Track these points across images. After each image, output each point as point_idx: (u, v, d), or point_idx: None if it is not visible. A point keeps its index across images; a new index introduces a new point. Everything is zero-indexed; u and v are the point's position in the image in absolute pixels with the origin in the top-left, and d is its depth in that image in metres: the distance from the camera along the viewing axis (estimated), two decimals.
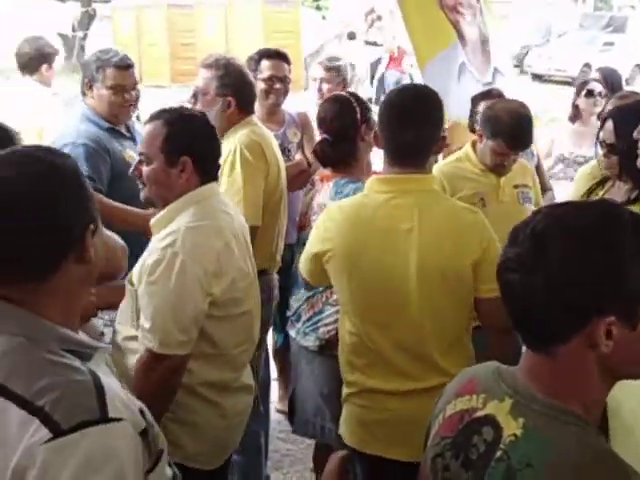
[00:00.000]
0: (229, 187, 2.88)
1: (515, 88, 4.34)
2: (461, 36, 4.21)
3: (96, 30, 17.43)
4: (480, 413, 1.24)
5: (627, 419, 1.50)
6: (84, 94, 3.06)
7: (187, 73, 15.27)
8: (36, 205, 1.21)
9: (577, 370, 1.18)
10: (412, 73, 11.79)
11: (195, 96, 3.01)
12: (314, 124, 3.76)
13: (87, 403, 1.16)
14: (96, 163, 2.86)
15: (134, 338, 2.09)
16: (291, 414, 2.96)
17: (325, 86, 4.02)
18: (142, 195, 2.19)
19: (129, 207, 2.77)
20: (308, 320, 2.77)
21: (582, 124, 4.51)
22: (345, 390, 2.28)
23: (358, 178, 2.60)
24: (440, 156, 3.37)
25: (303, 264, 2.38)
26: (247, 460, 3.06)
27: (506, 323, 2.04)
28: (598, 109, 4.28)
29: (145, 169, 2.14)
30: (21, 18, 18.90)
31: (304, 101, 5.21)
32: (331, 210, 2.32)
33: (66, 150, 2.54)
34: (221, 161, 2.90)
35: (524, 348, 1.25)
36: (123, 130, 3.10)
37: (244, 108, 3.03)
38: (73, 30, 17.63)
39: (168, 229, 2.08)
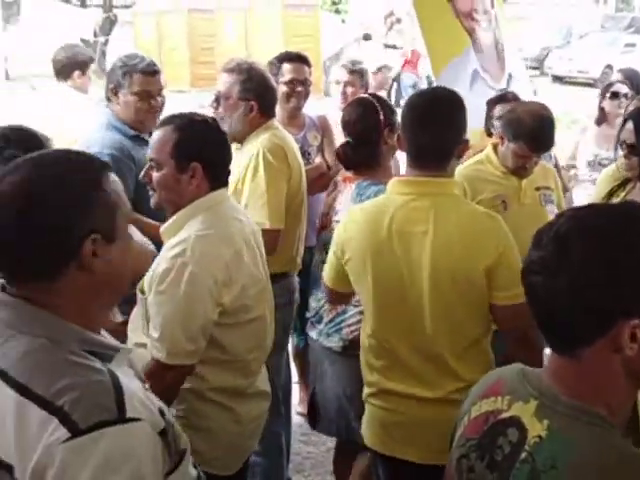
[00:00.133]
0: (252, 191, 2.89)
1: (529, 93, 4.33)
2: (476, 43, 4.22)
3: (117, 35, 17.58)
4: (505, 415, 1.24)
5: None
6: (109, 100, 3.03)
7: (207, 77, 15.37)
8: (33, 208, 1.23)
9: (602, 373, 1.18)
10: (430, 75, 11.78)
11: (217, 100, 3.01)
12: (335, 127, 3.79)
13: (105, 403, 1.17)
14: (122, 172, 2.87)
15: (144, 345, 2.09)
16: (311, 415, 2.96)
17: (349, 89, 4.03)
18: (152, 201, 2.18)
19: (141, 217, 2.75)
20: (331, 321, 2.77)
21: (608, 126, 4.48)
22: (365, 390, 2.30)
23: (380, 181, 2.61)
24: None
25: (325, 268, 2.40)
26: (269, 462, 3.06)
27: (523, 330, 2.07)
28: (623, 111, 4.26)
29: (155, 175, 2.12)
30: (43, 24, 19.13)
31: (324, 105, 5.23)
32: (353, 212, 2.33)
33: None
34: (241, 165, 2.96)
35: (547, 351, 1.25)
36: (147, 137, 3.10)
37: (266, 112, 3.04)
38: (95, 35, 17.80)
39: (177, 238, 2.06)
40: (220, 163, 2.18)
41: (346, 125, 2.86)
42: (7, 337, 1.24)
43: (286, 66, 3.61)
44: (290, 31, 15.91)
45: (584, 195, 4.10)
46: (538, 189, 3.11)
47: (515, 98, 3.67)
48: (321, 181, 3.47)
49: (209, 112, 3.15)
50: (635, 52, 17.89)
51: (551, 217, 1.46)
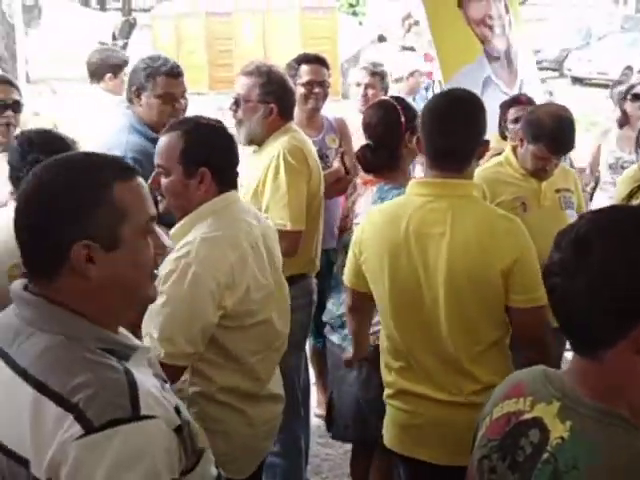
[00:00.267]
0: (274, 192, 2.90)
1: (542, 97, 4.33)
2: (489, 50, 4.21)
3: (136, 39, 17.72)
4: (527, 416, 1.25)
5: None
6: (130, 101, 3.01)
7: (225, 80, 15.45)
8: (28, 209, 1.29)
9: (624, 374, 1.18)
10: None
11: (237, 103, 3.01)
12: (353, 129, 3.79)
13: (120, 401, 1.18)
14: (145, 176, 2.87)
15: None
16: (329, 419, 2.96)
17: (370, 91, 4.03)
18: (161, 207, 2.15)
19: None
20: None
21: (630, 128, 4.44)
22: (385, 391, 2.30)
23: (401, 184, 2.61)
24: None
25: (345, 269, 2.40)
26: (288, 463, 3.07)
27: (538, 334, 2.07)
28: None
29: (163, 181, 2.11)
30: (64, 27, 19.32)
31: (342, 107, 5.23)
32: (371, 213, 2.34)
33: None
34: (261, 167, 2.97)
35: (569, 355, 1.25)
36: None
37: (285, 115, 3.04)
38: (114, 38, 17.96)
39: (184, 240, 2.06)
40: (228, 167, 2.16)
41: (367, 128, 2.86)
42: (28, 335, 1.27)
43: (304, 68, 3.62)
44: (308, 33, 15.95)
45: (605, 198, 4.08)
46: (558, 191, 3.09)
47: (529, 100, 3.67)
48: (339, 185, 3.48)
49: (228, 114, 3.16)
50: None
51: (571, 221, 1.46)
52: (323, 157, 3.60)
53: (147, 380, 1.28)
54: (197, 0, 17.35)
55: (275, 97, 2.98)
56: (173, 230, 2.16)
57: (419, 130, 2.26)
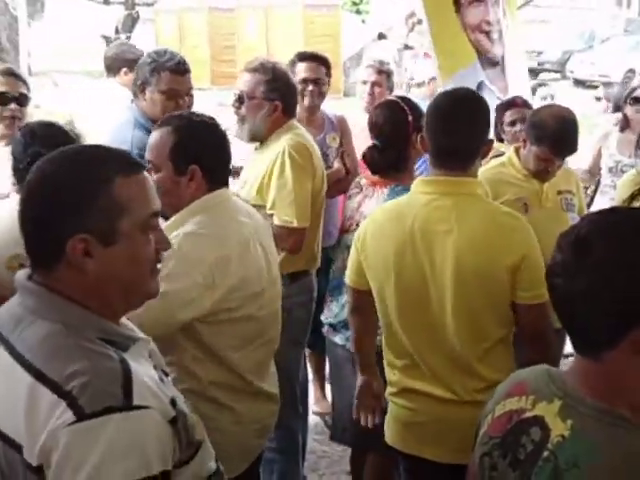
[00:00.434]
0: (280, 189, 2.88)
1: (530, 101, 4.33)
2: (483, 57, 4.21)
3: (139, 33, 17.69)
4: (529, 414, 1.26)
5: None
6: (135, 95, 2.99)
7: (227, 76, 15.46)
8: (28, 201, 1.31)
9: (625, 374, 1.19)
10: None
11: (240, 99, 2.99)
12: (357, 128, 3.79)
13: (112, 390, 1.19)
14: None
15: None
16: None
17: (376, 90, 3.99)
18: None
19: None
20: None
21: (631, 132, 4.44)
22: (388, 389, 2.31)
23: (409, 186, 2.60)
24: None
25: (347, 269, 2.39)
26: (286, 460, 3.07)
27: (542, 331, 2.07)
28: None
29: (153, 177, 2.02)
30: (66, 20, 19.32)
31: (343, 105, 5.22)
32: (375, 212, 2.35)
33: None
34: (264, 163, 2.96)
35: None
36: None
37: (288, 112, 3.03)
38: (116, 32, 17.92)
39: (171, 235, 2.00)
40: (219, 164, 2.13)
41: (374, 127, 2.84)
42: (29, 322, 1.28)
43: (300, 65, 3.61)
44: (310, 31, 15.95)
45: (605, 200, 4.08)
46: (560, 193, 3.10)
47: (525, 103, 3.69)
48: (339, 185, 3.47)
49: (229, 110, 3.15)
50: None
51: (572, 223, 1.47)
52: (323, 156, 3.59)
53: (144, 371, 1.29)
54: None
55: (280, 94, 2.97)
56: (164, 227, 2.13)
57: (423, 129, 2.27)
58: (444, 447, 2.12)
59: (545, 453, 1.19)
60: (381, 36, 15.19)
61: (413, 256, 2.12)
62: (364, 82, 4.08)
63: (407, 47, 16.27)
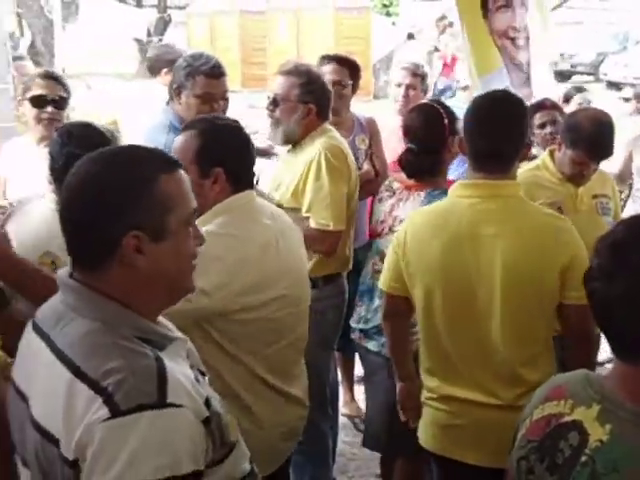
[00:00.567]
0: (316, 192, 2.88)
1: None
2: (509, 63, 4.19)
3: (171, 36, 17.86)
4: (567, 418, 1.26)
5: None
6: (172, 99, 3.00)
7: (258, 78, 15.56)
8: (77, 203, 1.32)
9: None
10: (460, 80, 11.52)
11: (274, 102, 3.00)
12: (388, 130, 3.78)
13: (147, 387, 1.22)
14: None
15: None
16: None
17: (411, 92, 3.94)
18: None
19: None
20: None
21: None
22: (425, 394, 2.28)
23: (446, 189, 2.58)
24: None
25: (383, 274, 2.37)
26: (315, 461, 3.08)
27: (588, 332, 2.05)
28: None
29: None
30: (100, 23, 19.56)
31: (372, 107, 5.21)
32: (412, 216, 2.33)
33: None
34: (299, 166, 2.95)
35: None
36: None
37: (322, 115, 3.03)
38: (148, 35, 18.11)
39: None
40: (243, 167, 2.14)
41: (409, 131, 2.82)
42: (69, 320, 1.31)
43: (323, 67, 3.58)
44: (341, 33, 15.96)
45: (637, 207, 4.03)
46: (595, 197, 3.06)
47: (554, 105, 3.64)
48: (369, 187, 3.47)
49: (260, 113, 3.15)
50: None
51: (607, 227, 1.46)
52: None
53: (179, 370, 1.31)
54: None
55: (314, 98, 2.97)
56: None
57: (462, 132, 2.25)
58: (483, 450, 2.10)
59: (583, 458, 1.19)
60: (410, 36, 15.11)
61: (460, 260, 2.10)
62: (399, 85, 4.01)
63: (437, 49, 16.21)
